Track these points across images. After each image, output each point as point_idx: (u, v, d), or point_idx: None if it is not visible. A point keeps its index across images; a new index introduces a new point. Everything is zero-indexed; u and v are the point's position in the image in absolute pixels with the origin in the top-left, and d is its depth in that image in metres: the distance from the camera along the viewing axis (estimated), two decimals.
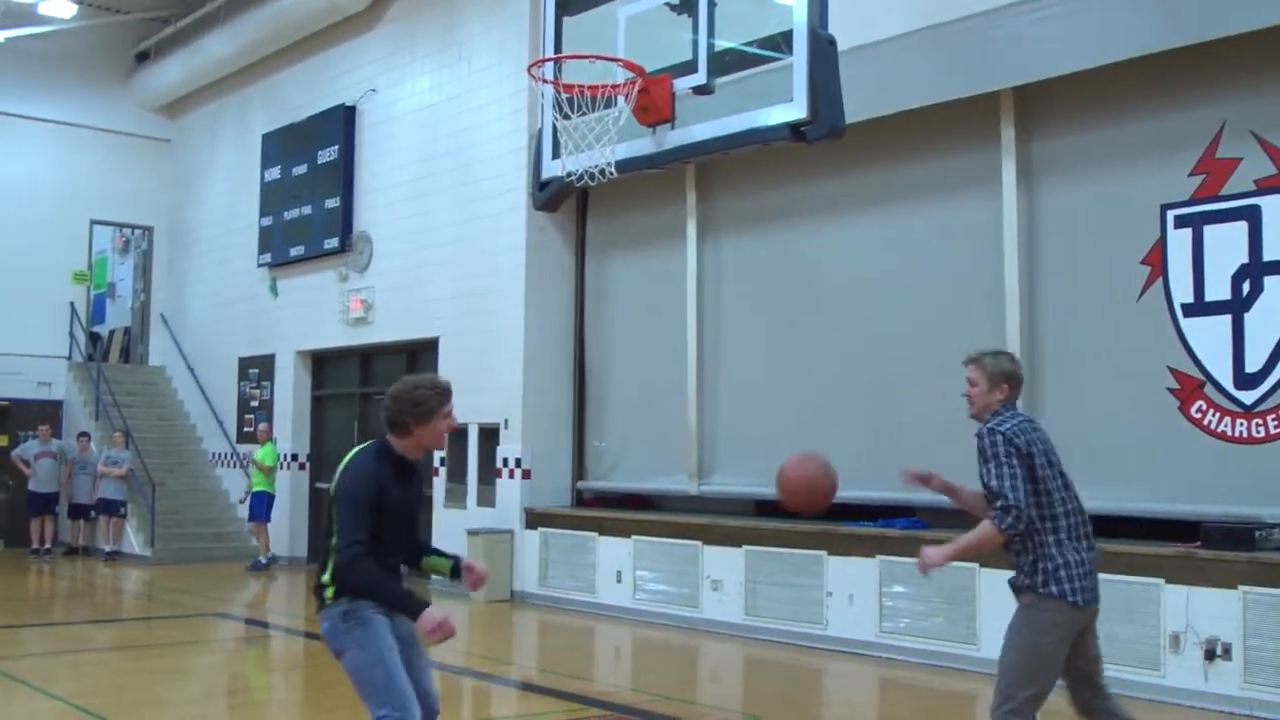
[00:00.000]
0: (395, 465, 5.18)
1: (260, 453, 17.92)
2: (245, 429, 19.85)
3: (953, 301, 11.40)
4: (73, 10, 20.01)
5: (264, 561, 17.60)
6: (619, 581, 13.48)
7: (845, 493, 11.61)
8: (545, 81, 9.50)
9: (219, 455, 20.69)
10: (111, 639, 12.77)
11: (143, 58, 22.70)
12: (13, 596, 16.00)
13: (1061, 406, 10.36)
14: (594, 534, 13.88)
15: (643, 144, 9.22)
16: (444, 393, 5.32)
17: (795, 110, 8.34)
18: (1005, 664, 5.39)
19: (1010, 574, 5.51)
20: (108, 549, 19.25)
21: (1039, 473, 5.33)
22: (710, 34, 8.88)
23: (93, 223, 22.57)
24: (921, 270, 11.71)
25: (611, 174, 9.16)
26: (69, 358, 21.84)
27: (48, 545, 19.68)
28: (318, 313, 18.39)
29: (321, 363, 19.15)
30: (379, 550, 5.00)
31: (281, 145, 19.47)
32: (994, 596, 10.05)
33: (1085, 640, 5.41)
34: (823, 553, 11.51)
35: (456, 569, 5.50)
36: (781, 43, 8.45)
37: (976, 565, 10.09)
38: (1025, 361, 10.60)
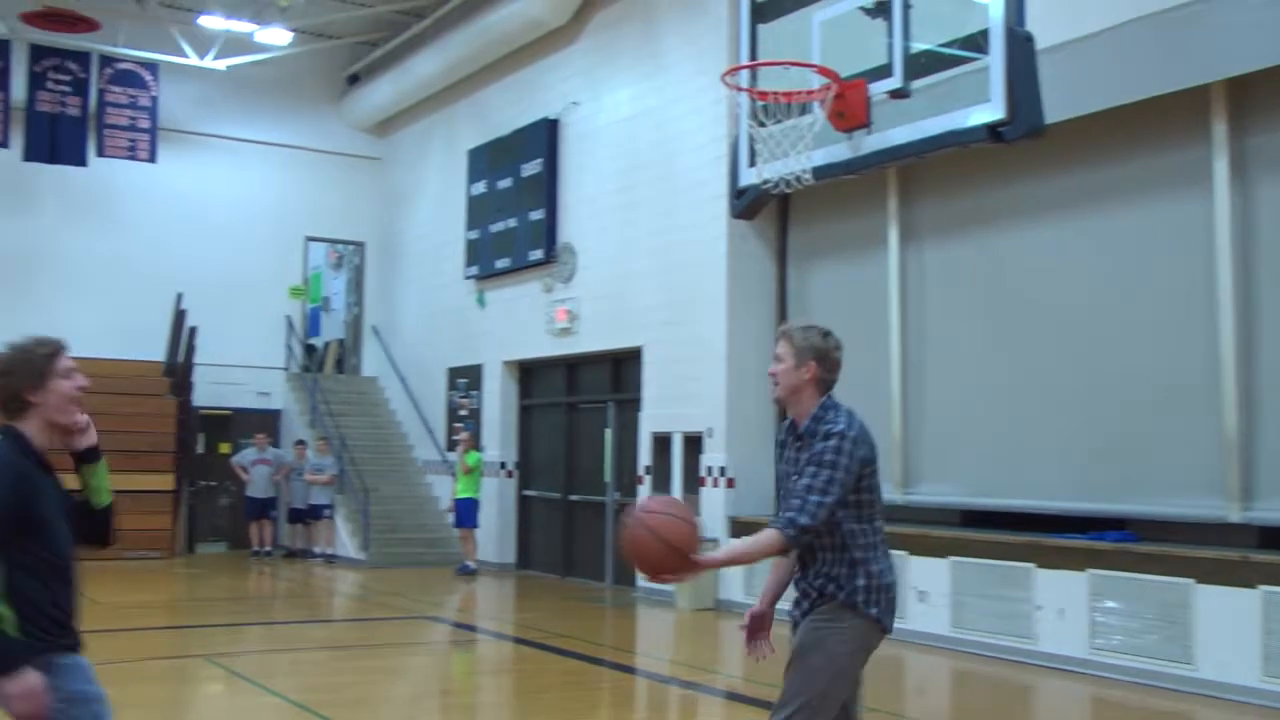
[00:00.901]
0: (36, 457, 4.19)
1: (466, 459, 18.32)
2: (454, 437, 20.35)
3: (1162, 306, 11.00)
4: (288, 38, 20.80)
5: (471, 567, 17.98)
6: None
7: (1054, 504, 11.37)
8: (741, 90, 9.51)
9: (429, 463, 21.23)
10: (326, 638, 13.21)
11: (354, 80, 23.50)
12: (235, 596, 16.69)
13: None
14: None
15: (840, 150, 9.17)
16: (51, 347, 4.31)
17: (993, 111, 8.20)
18: (800, 681, 4.77)
19: None
20: (320, 551, 19.98)
21: (874, 480, 4.75)
22: (905, 36, 8.78)
23: (307, 239, 23.47)
24: (1129, 274, 11.32)
25: (808, 180, 9.11)
26: (286, 369, 22.72)
27: (267, 547, 20.57)
28: (524, 323, 18.72)
29: (529, 372, 19.48)
30: (49, 563, 4.10)
31: (487, 160, 19.90)
32: (1211, 614, 9.69)
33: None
34: (1031, 565, 11.21)
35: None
36: (978, 42, 8.30)
37: (1193, 581, 9.73)
38: (1240, 367, 10.19)
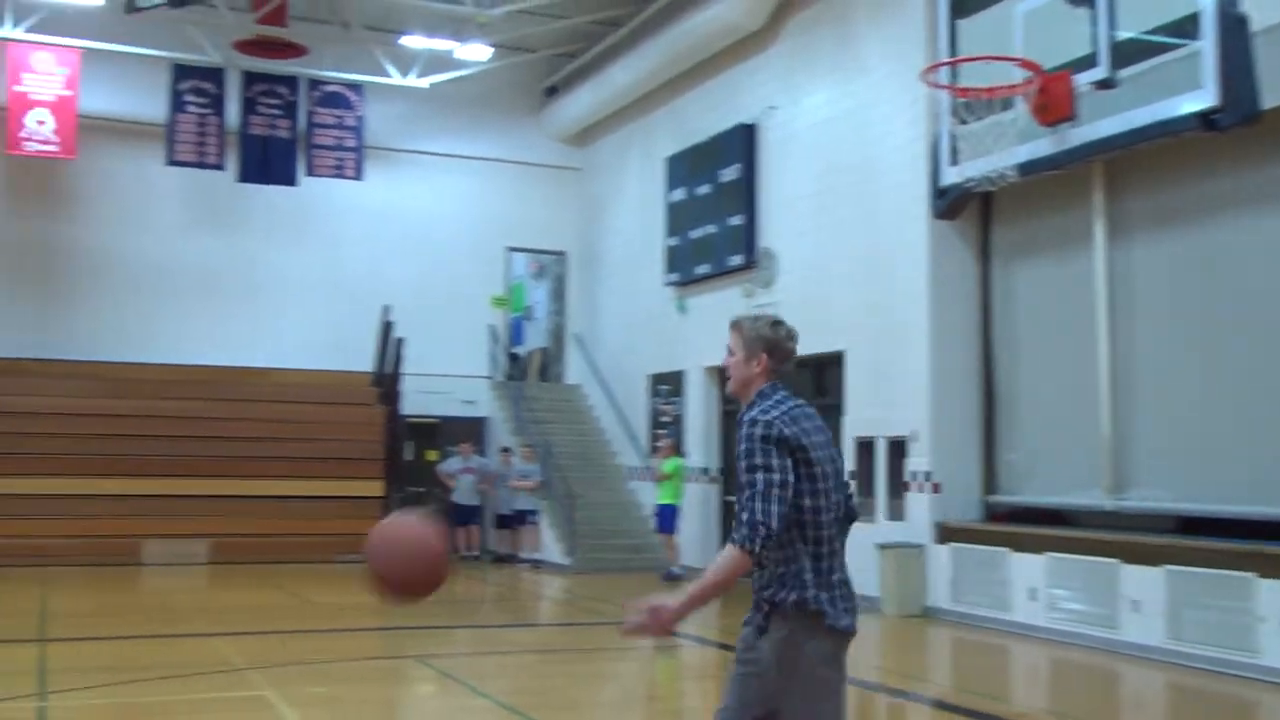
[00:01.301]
0: None
1: (664, 466, 18.39)
2: (655, 444, 20.45)
3: None
4: (488, 53, 21.22)
5: (677, 572, 18.03)
6: (1033, 599, 13.03)
7: (1277, 510, 10.84)
8: (940, 87, 9.34)
9: (633, 469, 21.38)
10: (534, 642, 13.41)
11: (552, 92, 23.84)
12: (445, 600, 17.03)
13: None
14: (1006, 550, 13.45)
15: (1044, 144, 8.93)
16: None
17: (1205, 98, 7.89)
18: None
19: None
20: (526, 556, 20.30)
21: (815, 470, 4.28)
22: (1111, 24, 8.50)
23: (509, 250, 23.90)
24: None
25: (1011, 178, 8.90)
26: (490, 378, 23.16)
27: (474, 551, 20.98)
28: (725, 329, 18.64)
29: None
30: None
31: (686, 166, 19.97)
32: None
33: None
34: (1252, 575, 10.71)
35: None
36: (1188, 27, 7.99)
37: None
38: None
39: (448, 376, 22.53)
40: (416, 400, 22.18)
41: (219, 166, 21.02)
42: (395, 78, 21.38)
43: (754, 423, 4.29)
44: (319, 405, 21.21)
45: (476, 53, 21.09)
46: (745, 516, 4.13)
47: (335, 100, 21.67)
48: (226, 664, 10.42)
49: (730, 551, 4.13)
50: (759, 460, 4.20)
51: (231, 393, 20.91)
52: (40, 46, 19.93)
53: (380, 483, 20.80)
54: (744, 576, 4.20)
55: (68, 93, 20.10)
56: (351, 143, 21.72)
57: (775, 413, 4.32)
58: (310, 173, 21.52)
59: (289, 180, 21.33)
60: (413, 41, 20.60)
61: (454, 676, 10.60)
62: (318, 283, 22.28)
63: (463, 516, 21.02)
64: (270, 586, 16.74)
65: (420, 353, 21.81)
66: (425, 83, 21.53)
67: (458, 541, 21.05)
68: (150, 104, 20.80)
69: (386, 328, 21.93)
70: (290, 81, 21.33)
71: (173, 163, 20.81)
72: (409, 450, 22.47)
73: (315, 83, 21.52)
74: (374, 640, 13.01)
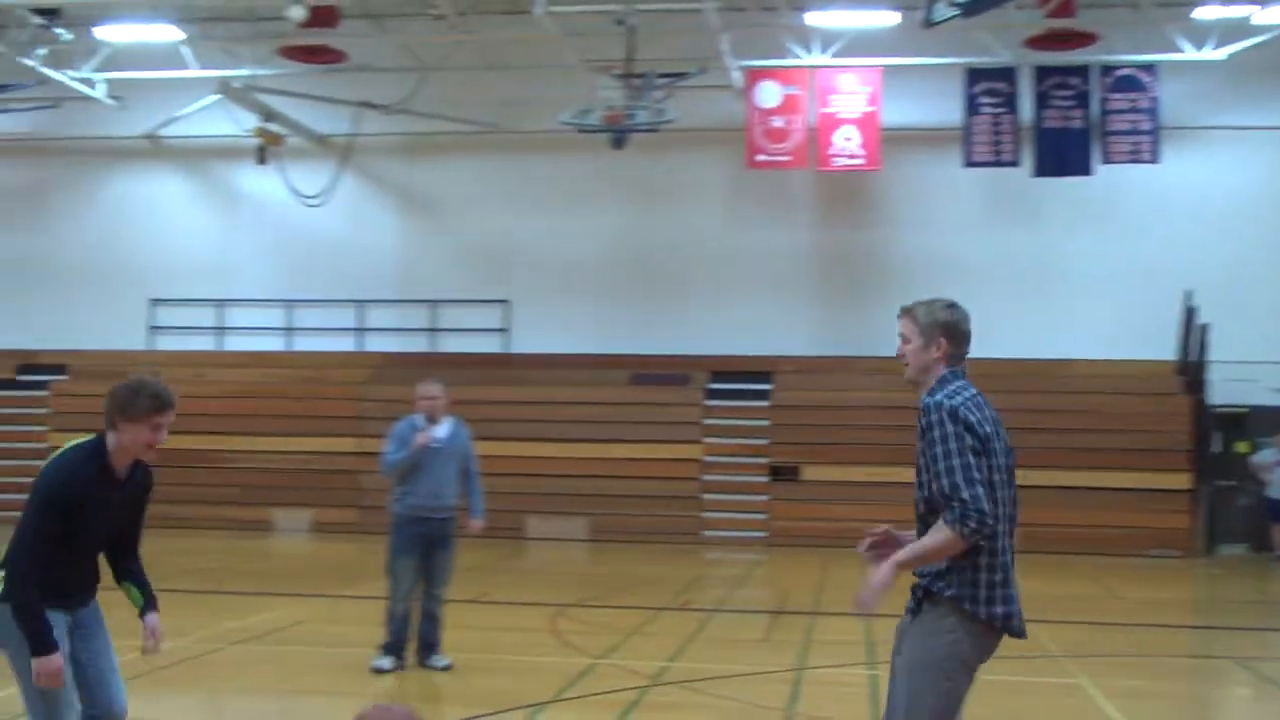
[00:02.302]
0: (102, 465, 5.03)
1: None
2: None
3: None
4: None
5: None
6: None
7: None
8: None
9: None
10: None
11: None
12: (1260, 600, 16.22)
13: None
14: None
15: None
16: (160, 401, 5.01)
17: None
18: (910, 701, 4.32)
19: None
20: None
21: (993, 461, 4.30)
22: None
23: None
24: None
25: None
26: None
27: None
28: None
29: None
30: (71, 550, 5.02)
31: None
32: None
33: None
34: None
35: (144, 613, 5.31)
36: None
37: None
38: None
39: (1259, 364, 21.32)
40: (1224, 389, 21.21)
41: (1014, 163, 21.38)
42: (1189, 53, 20.59)
43: (940, 407, 4.32)
44: (1119, 396, 20.93)
45: (1276, 16, 19.79)
46: (956, 503, 4.20)
47: (1128, 84, 21.28)
48: (1043, 650, 10.70)
49: (948, 532, 4.21)
50: (953, 445, 4.25)
51: (1034, 384, 21.18)
52: (845, 69, 21.38)
53: (1186, 475, 20.16)
54: None
55: (870, 108, 21.38)
56: (1146, 126, 21.22)
57: (960, 398, 4.35)
58: (1106, 160, 21.31)
59: (1084, 170, 21.26)
60: (1206, 12, 19.71)
61: (1276, 682, 10.16)
62: (1115, 270, 21.98)
63: (1277, 512, 19.82)
64: (1075, 576, 16.82)
65: (1228, 338, 20.83)
66: (1222, 54, 20.53)
67: (1274, 540, 19.84)
68: (946, 110, 21.57)
69: (1188, 314, 21.19)
70: (1081, 71, 21.24)
71: (970, 164, 21.47)
72: (1216, 442, 21.54)
73: (1107, 69, 21.26)
74: (1186, 638, 12.76)
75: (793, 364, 22.11)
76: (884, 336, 22.43)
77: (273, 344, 24.15)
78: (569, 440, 21.14)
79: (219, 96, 22.20)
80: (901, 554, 4.36)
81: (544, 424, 21.27)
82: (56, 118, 23.79)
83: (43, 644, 4.84)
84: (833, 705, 8.48)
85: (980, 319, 17.91)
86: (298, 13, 17.66)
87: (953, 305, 4.65)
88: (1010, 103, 21.22)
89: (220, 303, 24.41)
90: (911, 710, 4.41)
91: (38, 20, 19.58)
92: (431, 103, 22.28)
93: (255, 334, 24.20)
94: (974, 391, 4.52)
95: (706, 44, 19.91)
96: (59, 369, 23.72)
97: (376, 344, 23.67)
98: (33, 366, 24.04)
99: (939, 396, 4.42)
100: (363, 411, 20.73)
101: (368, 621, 9.36)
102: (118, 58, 21.81)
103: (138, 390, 5.00)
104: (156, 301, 24.54)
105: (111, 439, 5.04)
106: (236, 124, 22.83)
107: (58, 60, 21.44)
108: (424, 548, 9.32)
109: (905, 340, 4.63)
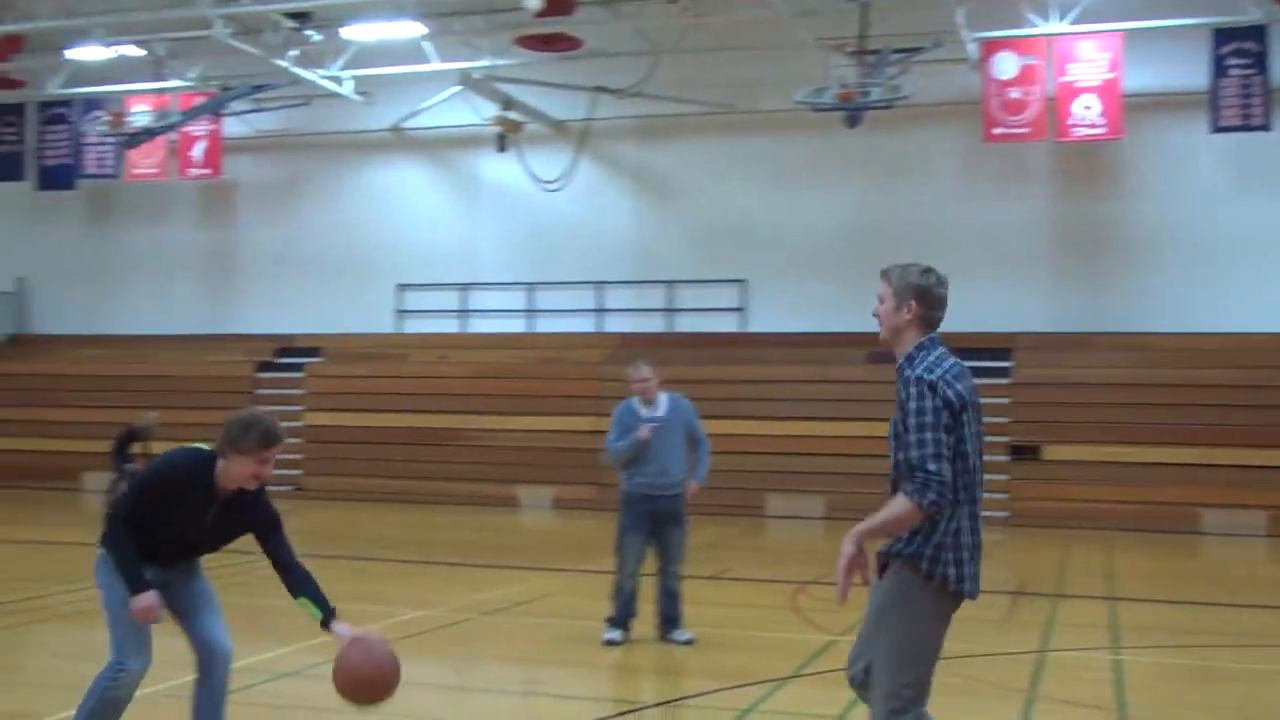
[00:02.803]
0: (208, 478, 5.34)
1: None
2: None
3: None
4: None
5: None
6: None
7: None
8: None
9: None
10: None
11: None
12: None
13: None
14: None
15: None
16: (269, 437, 5.29)
17: None
18: (882, 651, 4.60)
19: None
20: None
21: (965, 432, 4.49)
22: None
23: None
24: None
25: None
26: None
27: None
28: None
29: None
30: (159, 535, 5.41)
31: None
32: None
33: None
34: None
35: (326, 623, 5.40)
36: None
37: None
38: None
39: None
40: None
41: (1264, 127, 20.44)
42: None
43: (920, 380, 4.47)
44: None
45: None
46: (920, 475, 4.36)
47: None
48: None
49: (906, 503, 4.41)
50: (929, 419, 4.40)
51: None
52: (1084, 36, 20.79)
53: None
54: None
55: (1111, 75, 20.74)
56: None
57: (939, 370, 4.49)
58: None
59: None
60: None
61: None
62: None
63: None
64: None
65: None
66: None
67: None
68: (1190, 73, 20.77)
69: None
70: None
71: (1217, 129, 20.59)
72: None
73: None
74: None
75: (1032, 340, 21.67)
76: (1127, 311, 21.95)
77: (515, 326, 24.87)
78: (806, 419, 21.19)
79: (459, 88, 22.98)
80: (862, 525, 4.57)
81: (781, 403, 21.37)
82: (307, 115, 24.89)
83: (134, 582, 5.31)
84: (1077, 688, 8.38)
85: (1228, 292, 17.50)
86: (534, 2, 18.12)
87: (929, 270, 4.74)
88: (1260, 63, 20.29)
89: (464, 286, 25.21)
90: (883, 662, 4.63)
91: (289, 24, 20.52)
92: (666, 85, 22.57)
93: (498, 316, 24.95)
94: (953, 362, 4.62)
95: (941, 17, 19.65)
96: (313, 352, 24.91)
97: (614, 325, 24.10)
98: (290, 350, 25.28)
99: (919, 370, 4.54)
100: (601, 391, 21.13)
101: (604, 596, 9.62)
102: (363, 55, 22.72)
103: (249, 425, 5.30)
104: (403, 287, 25.49)
105: (220, 464, 5.35)
106: (477, 113, 23.59)
107: (308, 60, 22.46)
108: (653, 525, 9.50)
109: (880, 300, 4.77)
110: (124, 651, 5.41)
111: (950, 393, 4.49)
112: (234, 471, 5.31)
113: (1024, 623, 10.99)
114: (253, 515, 5.48)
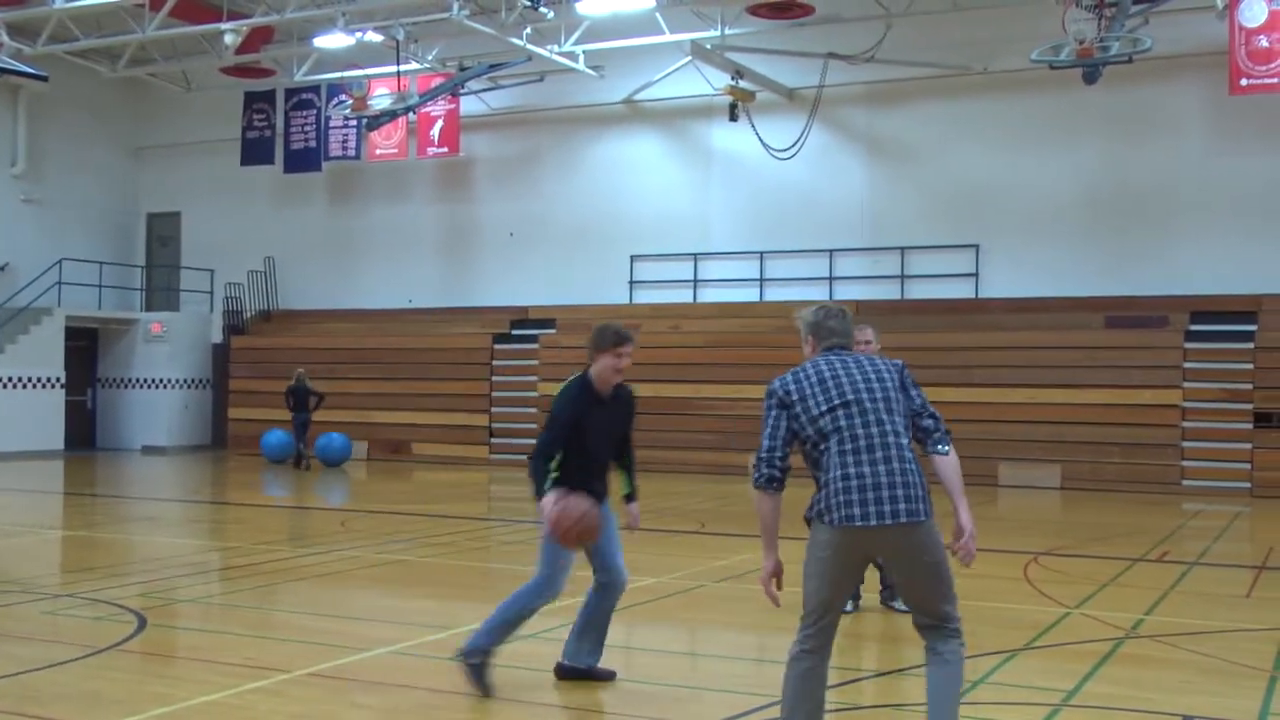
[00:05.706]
0: (591, 392, 6.68)
1: None
2: None
3: None
4: None
5: None
6: None
7: None
8: None
9: None
10: None
11: None
12: None
13: None
14: None
15: None
16: (620, 337, 6.64)
17: None
18: None
19: None
20: None
21: (804, 417, 5.34)
22: None
23: None
24: None
25: None
26: None
27: None
28: None
29: None
30: (584, 455, 6.62)
31: None
32: None
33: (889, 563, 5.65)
34: None
35: (628, 499, 7.11)
36: None
37: None
38: None
39: None
40: None
41: None
42: None
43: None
44: None
45: None
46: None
47: None
48: None
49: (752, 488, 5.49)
50: (765, 413, 5.45)
51: None
52: None
53: None
54: None
55: None
56: None
57: (776, 381, 5.42)
58: None
59: None
60: None
61: None
62: None
63: None
64: None
65: None
66: None
67: None
68: None
69: None
70: None
71: None
72: None
73: None
74: None
75: (1279, 303, 20.72)
76: None
77: (746, 295, 24.98)
78: (1041, 386, 20.78)
79: (690, 58, 23.11)
80: (965, 500, 5.58)
81: (1015, 369, 21.00)
82: (543, 90, 25.48)
83: (538, 490, 6.47)
84: None
85: None
86: None
87: (822, 309, 5.68)
88: None
89: (696, 256, 25.44)
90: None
91: (524, 2, 20.99)
92: (897, 49, 22.34)
93: (729, 286, 25.11)
94: (811, 364, 5.47)
95: None
96: (548, 323, 25.51)
97: (846, 292, 24.01)
98: (524, 321, 25.97)
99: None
100: None
101: None
102: (595, 29, 23.10)
103: (604, 330, 6.67)
104: (636, 257, 25.86)
105: (593, 371, 6.68)
106: (708, 83, 23.72)
107: (541, 37, 22.97)
108: None
109: (804, 341, 5.65)
110: (555, 575, 6.72)
111: (780, 391, 5.38)
112: (601, 369, 6.64)
113: (1267, 599, 10.64)
114: (627, 406, 6.88)
